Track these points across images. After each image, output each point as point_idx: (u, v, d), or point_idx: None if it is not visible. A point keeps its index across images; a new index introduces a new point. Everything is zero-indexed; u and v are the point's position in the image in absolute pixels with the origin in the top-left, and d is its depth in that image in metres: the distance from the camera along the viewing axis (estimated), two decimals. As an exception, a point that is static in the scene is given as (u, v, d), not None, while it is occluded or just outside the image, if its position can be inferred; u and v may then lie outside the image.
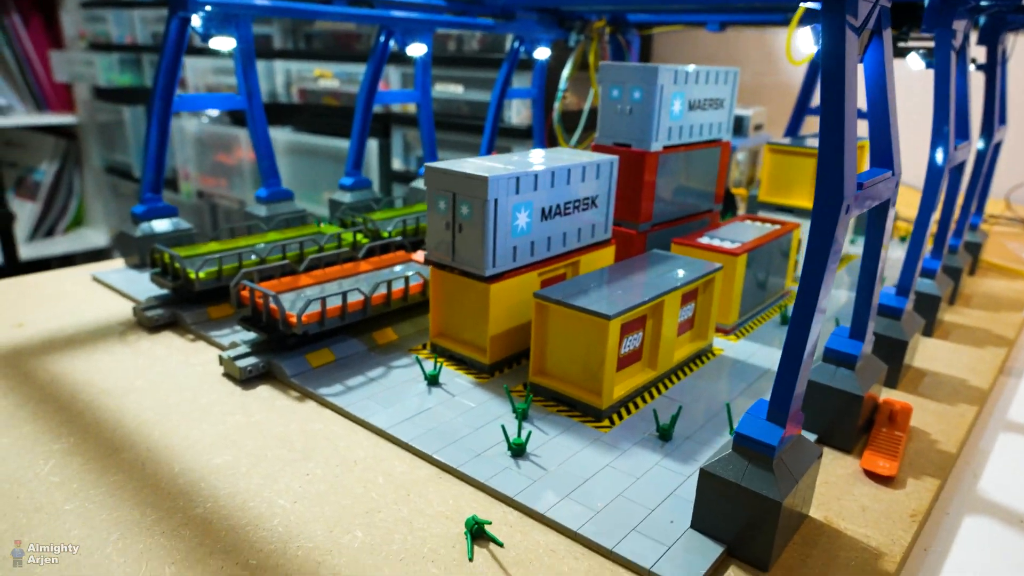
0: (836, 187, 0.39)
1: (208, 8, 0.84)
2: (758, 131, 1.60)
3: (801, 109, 1.24)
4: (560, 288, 0.59)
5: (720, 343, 0.73)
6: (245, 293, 0.65)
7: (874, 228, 0.50)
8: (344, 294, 0.64)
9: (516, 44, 1.32)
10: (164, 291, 0.79)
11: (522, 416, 0.55)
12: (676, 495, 0.47)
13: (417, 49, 1.12)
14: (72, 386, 0.60)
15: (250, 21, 0.92)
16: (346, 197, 1.12)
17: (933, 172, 0.64)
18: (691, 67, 0.79)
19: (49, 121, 2.77)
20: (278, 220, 0.94)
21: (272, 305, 0.62)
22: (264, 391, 0.61)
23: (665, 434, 0.54)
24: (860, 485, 0.51)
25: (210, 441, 0.53)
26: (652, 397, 0.61)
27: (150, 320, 0.72)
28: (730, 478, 0.41)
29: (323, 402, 0.59)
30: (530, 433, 0.52)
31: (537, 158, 0.67)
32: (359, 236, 0.87)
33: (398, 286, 0.70)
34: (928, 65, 0.81)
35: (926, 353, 0.74)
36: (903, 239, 1.18)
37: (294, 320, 0.61)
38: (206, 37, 0.87)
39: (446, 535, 0.43)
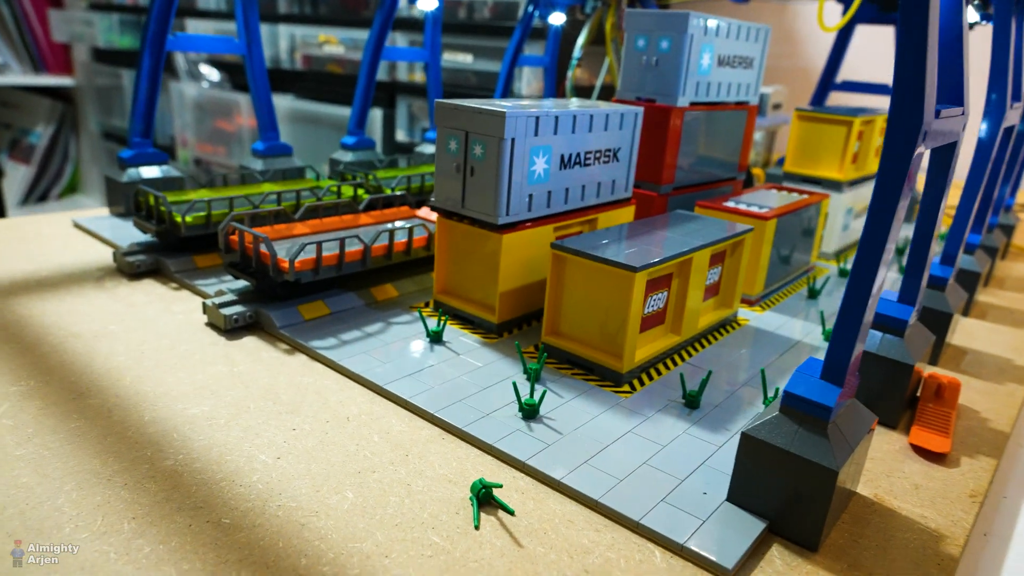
0: (914, 110, 0.34)
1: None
2: (776, 111, 1.54)
3: (826, 83, 1.19)
4: (579, 240, 0.54)
5: (744, 314, 0.68)
6: (234, 237, 0.60)
7: (936, 173, 0.45)
8: (342, 241, 0.59)
9: (530, 8, 1.26)
10: (148, 237, 0.74)
11: (535, 377, 0.50)
12: (708, 465, 0.42)
13: (428, 3, 1.06)
14: (39, 328, 0.55)
15: (250, -40, 0.86)
16: (347, 156, 1.07)
17: (990, 129, 0.58)
18: (721, 19, 0.73)
19: (46, 82, 2.70)
20: (274, 172, 0.88)
21: (263, 249, 0.56)
22: (250, 342, 0.55)
23: (692, 401, 0.48)
24: (910, 462, 0.45)
25: (187, 390, 0.47)
26: (675, 364, 0.55)
27: (131, 266, 0.67)
28: (778, 443, 0.36)
29: (314, 355, 0.53)
30: (544, 392, 0.46)
31: (557, 104, 0.62)
32: (360, 191, 0.81)
33: (401, 238, 0.65)
34: (983, 18, 0.75)
35: (964, 331, 0.69)
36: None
37: (286, 266, 0.55)
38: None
39: (449, 500, 0.38)
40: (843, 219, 0.88)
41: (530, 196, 0.57)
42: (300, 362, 0.53)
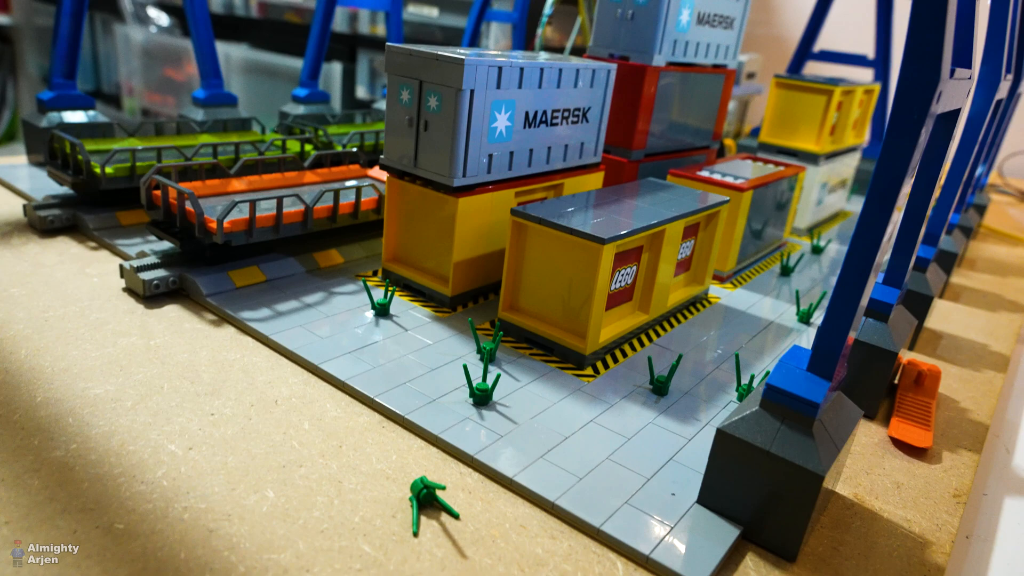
0: (932, 63, 0.29)
1: None
2: (751, 79, 1.50)
3: (803, 52, 1.14)
4: (542, 206, 0.49)
5: (715, 291, 0.64)
6: (158, 192, 0.53)
7: (935, 143, 0.41)
8: (280, 200, 0.53)
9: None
10: (65, 190, 0.66)
11: (489, 357, 0.45)
12: (676, 461, 0.38)
13: (387, -56, 0.98)
14: (-75, 291, 0.48)
15: None
16: (298, 109, 0.99)
17: (982, 101, 0.55)
18: (704, -28, 0.68)
19: (-22, 21, 2.51)
20: (214, 123, 0.81)
21: (188, 207, 0.50)
22: (172, 311, 0.49)
23: (661, 387, 0.44)
24: (890, 457, 0.42)
25: (91, 365, 0.41)
26: (642, 345, 0.51)
27: (43, 221, 0.60)
28: (757, 443, 0.32)
29: (244, 328, 0.48)
30: (498, 377, 0.42)
31: (524, 56, 0.56)
32: (308, 147, 0.74)
33: (347, 199, 0.59)
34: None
35: (939, 314, 0.67)
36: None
37: (214, 226, 0.49)
38: None
39: (386, 500, 0.33)
40: (817, 193, 0.84)
41: (490, 156, 0.51)
42: (227, 335, 0.47)
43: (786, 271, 0.70)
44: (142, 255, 0.54)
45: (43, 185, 0.69)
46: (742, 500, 0.33)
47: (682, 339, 0.53)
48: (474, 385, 0.41)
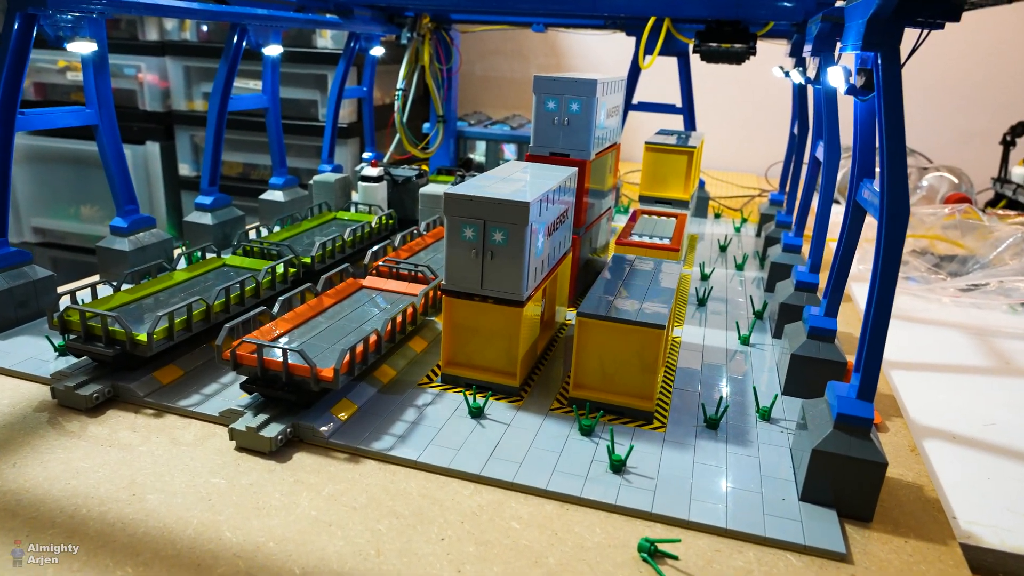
0: (903, 199, 0.48)
1: (67, 7, 0.68)
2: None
3: (625, 107, 1.38)
4: (592, 303, 0.62)
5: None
6: (244, 351, 0.56)
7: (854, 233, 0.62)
8: (367, 337, 0.59)
9: (352, 43, 1.27)
10: (71, 359, 0.64)
11: (589, 431, 0.57)
12: (765, 475, 0.54)
13: (273, 49, 1.03)
14: (33, 511, 0.47)
15: (104, 21, 0.76)
16: (206, 218, 1.00)
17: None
18: (605, 77, 0.85)
19: None
20: (149, 256, 0.81)
21: (297, 363, 0.55)
22: (302, 459, 0.54)
23: (714, 423, 0.60)
24: (863, 434, 0.62)
25: (298, 528, 0.46)
26: (667, 389, 0.67)
27: (88, 400, 0.59)
28: (843, 452, 0.49)
29: (383, 458, 0.54)
30: (631, 448, 0.54)
31: (525, 175, 0.68)
32: (290, 269, 0.78)
33: (390, 316, 0.66)
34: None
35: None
36: (717, 215, 1.39)
37: (330, 375, 0.55)
38: (58, 40, 0.71)
39: (626, 563, 0.45)
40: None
41: (535, 269, 0.63)
42: (369, 469, 0.53)
43: (702, 302, 0.90)
44: (234, 412, 0.57)
45: (20, 358, 0.66)
46: (833, 490, 0.50)
47: (683, 377, 0.69)
48: (613, 457, 0.53)
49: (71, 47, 0.72)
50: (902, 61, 0.49)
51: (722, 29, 0.98)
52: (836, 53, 0.75)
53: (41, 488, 0.49)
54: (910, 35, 0.49)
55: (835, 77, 0.56)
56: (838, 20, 0.72)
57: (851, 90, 0.53)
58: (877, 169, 0.52)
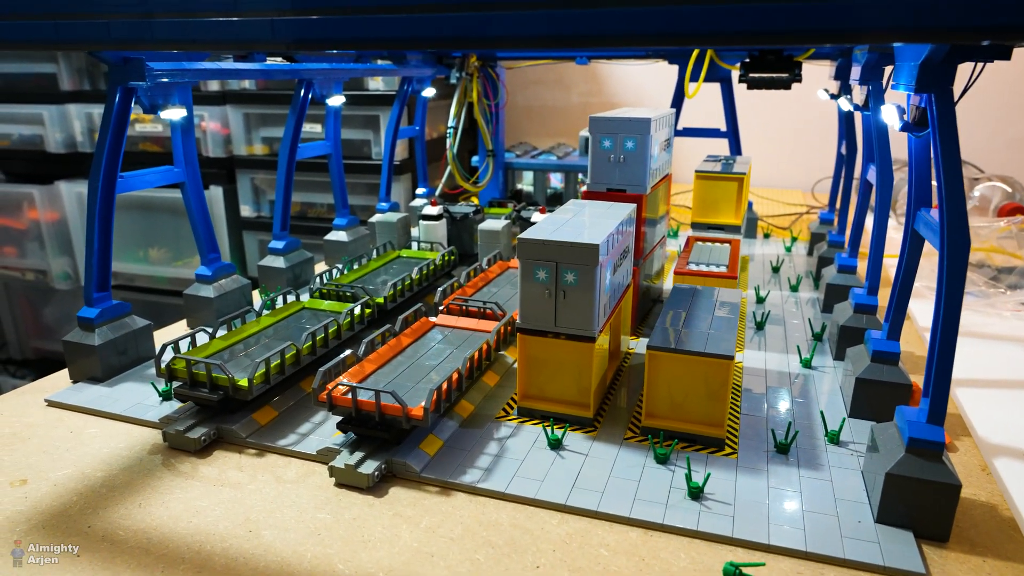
0: (963, 230, 0.50)
1: (163, 78, 0.75)
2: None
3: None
4: (659, 335, 0.65)
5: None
6: (338, 393, 0.61)
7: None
8: (460, 373, 0.63)
9: (405, 86, 1.33)
10: (174, 403, 0.70)
11: (664, 460, 0.60)
12: (838, 498, 0.56)
13: (336, 100, 1.09)
14: (173, 551, 0.52)
15: (191, 88, 0.83)
16: (279, 262, 1.06)
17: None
18: (656, 113, 0.88)
19: None
20: (231, 301, 0.87)
21: (386, 403, 0.59)
22: (399, 494, 0.58)
23: (785, 448, 0.62)
24: (933, 455, 0.64)
25: (403, 560, 0.50)
26: (736, 417, 0.69)
27: (197, 442, 0.64)
28: (916, 475, 0.51)
29: (473, 490, 0.58)
30: (708, 475, 0.57)
31: (587, 214, 0.72)
32: (366, 310, 0.83)
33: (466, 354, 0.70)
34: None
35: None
36: (767, 235, 1.41)
37: (420, 413, 0.59)
38: (153, 108, 0.77)
39: (712, 586, 0.47)
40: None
41: (604, 305, 0.67)
42: (461, 502, 0.57)
43: (760, 326, 0.92)
44: (331, 451, 0.61)
45: (114, 403, 0.71)
46: (908, 513, 0.52)
47: (750, 402, 0.71)
48: (691, 484, 0.56)
49: (164, 115, 0.79)
50: (955, 99, 0.51)
51: (766, 58, 1.00)
52: (884, 82, 0.77)
53: (167, 526, 0.54)
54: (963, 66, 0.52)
55: (889, 115, 0.58)
56: (886, 50, 0.74)
57: (905, 127, 0.56)
58: (934, 196, 0.54)
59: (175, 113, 0.79)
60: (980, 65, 0.51)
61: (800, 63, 1.03)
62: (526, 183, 1.72)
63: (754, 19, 0.37)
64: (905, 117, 0.56)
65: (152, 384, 0.74)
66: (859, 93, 0.86)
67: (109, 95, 0.74)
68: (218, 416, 0.67)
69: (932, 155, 0.52)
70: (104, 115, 0.75)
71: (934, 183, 0.56)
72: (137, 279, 1.93)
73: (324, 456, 0.62)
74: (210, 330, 0.75)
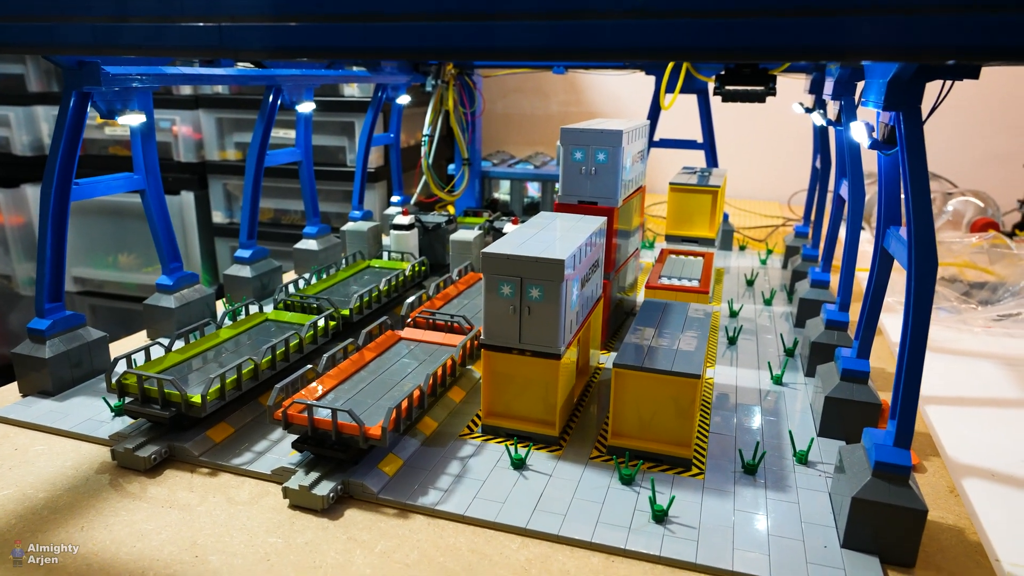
0: (931, 251, 0.50)
1: (120, 83, 0.73)
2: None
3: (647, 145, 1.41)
4: (626, 352, 0.64)
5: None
6: (294, 411, 0.59)
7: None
8: (422, 391, 0.61)
9: (380, 93, 1.31)
10: (125, 420, 0.67)
11: (630, 480, 0.59)
12: (805, 522, 0.55)
13: (306, 106, 1.07)
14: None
15: (151, 93, 0.81)
16: (245, 271, 1.03)
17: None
18: (629, 125, 0.87)
19: None
20: (193, 311, 0.84)
21: (346, 421, 0.57)
22: (354, 516, 0.56)
23: (752, 469, 0.61)
24: (902, 476, 0.63)
25: (362, 588, 0.48)
26: (703, 435, 0.68)
27: (147, 461, 0.61)
28: (882, 500, 0.50)
29: (432, 512, 0.56)
30: (672, 498, 0.56)
31: (556, 227, 0.71)
32: (330, 322, 0.81)
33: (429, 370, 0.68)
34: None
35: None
36: (742, 247, 1.40)
37: (378, 432, 0.57)
38: (111, 113, 0.75)
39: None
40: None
41: (570, 322, 0.65)
42: (419, 524, 0.55)
43: (732, 341, 0.91)
44: (285, 470, 0.59)
45: (63, 419, 0.69)
46: (875, 538, 0.51)
47: (719, 420, 0.70)
48: (655, 507, 0.55)
49: (122, 120, 0.76)
50: (923, 117, 0.50)
51: (741, 71, 1.00)
52: (856, 97, 0.77)
53: (108, 551, 0.52)
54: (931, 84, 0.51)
55: (858, 133, 0.58)
56: (857, 66, 0.74)
57: (874, 144, 0.55)
58: (903, 215, 0.54)
59: (134, 119, 0.77)
60: (948, 84, 0.51)
61: (775, 76, 1.02)
62: (503, 192, 1.70)
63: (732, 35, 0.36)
64: (874, 135, 0.56)
65: (104, 399, 0.72)
66: (833, 108, 0.85)
67: (63, 99, 0.72)
68: (171, 433, 0.64)
69: (900, 173, 0.51)
70: (58, 120, 0.72)
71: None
72: (106, 285, 1.89)
73: (279, 476, 0.60)
74: (166, 342, 0.73)
